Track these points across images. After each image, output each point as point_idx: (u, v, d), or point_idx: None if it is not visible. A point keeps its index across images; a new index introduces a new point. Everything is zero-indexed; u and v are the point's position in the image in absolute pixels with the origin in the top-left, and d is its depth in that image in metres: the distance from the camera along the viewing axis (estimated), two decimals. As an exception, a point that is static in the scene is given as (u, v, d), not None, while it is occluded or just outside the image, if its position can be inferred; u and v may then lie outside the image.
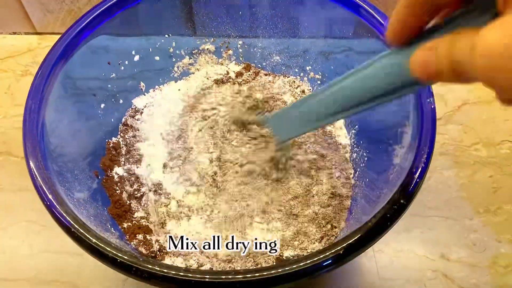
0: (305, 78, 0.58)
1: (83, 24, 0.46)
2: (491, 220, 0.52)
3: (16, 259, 0.50)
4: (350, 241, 0.32)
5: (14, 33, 0.71)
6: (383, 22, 0.44)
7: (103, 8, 0.48)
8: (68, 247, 0.50)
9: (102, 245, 0.32)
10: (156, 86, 0.58)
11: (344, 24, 0.50)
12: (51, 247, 0.51)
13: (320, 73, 0.57)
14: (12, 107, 0.63)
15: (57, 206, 0.34)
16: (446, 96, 0.62)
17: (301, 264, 0.31)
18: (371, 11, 0.45)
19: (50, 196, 0.35)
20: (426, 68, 0.24)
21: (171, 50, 0.57)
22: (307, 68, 0.57)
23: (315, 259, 0.31)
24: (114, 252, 0.32)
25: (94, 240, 0.32)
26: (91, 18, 0.47)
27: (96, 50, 0.50)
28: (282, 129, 0.45)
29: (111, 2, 0.48)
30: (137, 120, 0.54)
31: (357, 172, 0.50)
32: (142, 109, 0.55)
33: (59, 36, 0.46)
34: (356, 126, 0.53)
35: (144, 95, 0.57)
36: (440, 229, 0.51)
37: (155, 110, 0.55)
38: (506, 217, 0.52)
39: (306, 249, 0.44)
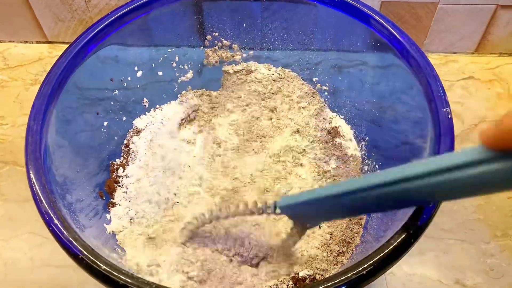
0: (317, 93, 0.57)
1: (92, 34, 0.46)
2: (509, 245, 0.49)
3: (16, 272, 0.49)
4: (372, 262, 0.30)
5: (26, 42, 0.71)
6: (398, 37, 0.42)
7: (113, 18, 0.47)
8: (70, 261, 0.48)
9: (114, 272, 0.31)
10: (157, 106, 0.57)
11: (358, 38, 0.49)
12: (53, 260, 0.50)
13: (333, 86, 0.56)
14: (21, 116, 0.62)
15: (64, 232, 0.33)
16: (463, 114, 0.60)
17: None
18: (386, 25, 0.43)
19: (56, 222, 0.33)
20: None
21: (174, 64, 0.56)
22: (314, 79, 0.56)
23: (336, 281, 0.30)
24: (126, 279, 0.30)
25: (103, 267, 0.31)
26: (100, 27, 0.46)
27: (105, 60, 0.49)
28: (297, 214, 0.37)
29: (121, 12, 0.48)
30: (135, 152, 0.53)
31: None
32: (143, 129, 0.54)
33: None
34: (367, 138, 0.52)
35: (145, 114, 0.55)
36: (455, 253, 0.49)
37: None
38: (525, 242, 0.50)
39: (321, 268, 0.43)
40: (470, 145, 0.57)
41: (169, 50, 0.55)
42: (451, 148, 0.35)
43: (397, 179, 0.27)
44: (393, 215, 0.39)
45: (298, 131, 0.53)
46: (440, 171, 0.25)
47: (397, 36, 0.42)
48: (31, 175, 0.36)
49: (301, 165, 0.51)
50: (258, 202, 0.39)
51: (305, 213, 0.36)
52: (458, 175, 0.24)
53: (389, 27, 0.43)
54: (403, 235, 0.32)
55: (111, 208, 0.47)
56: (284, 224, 0.45)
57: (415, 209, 0.33)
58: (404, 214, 0.34)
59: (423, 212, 0.33)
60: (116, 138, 0.52)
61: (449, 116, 0.37)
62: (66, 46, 0.45)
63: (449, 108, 0.37)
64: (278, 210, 0.37)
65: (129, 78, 0.52)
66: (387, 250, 0.31)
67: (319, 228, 0.46)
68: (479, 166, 0.23)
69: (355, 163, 0.51)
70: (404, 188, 0.27)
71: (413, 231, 0.32)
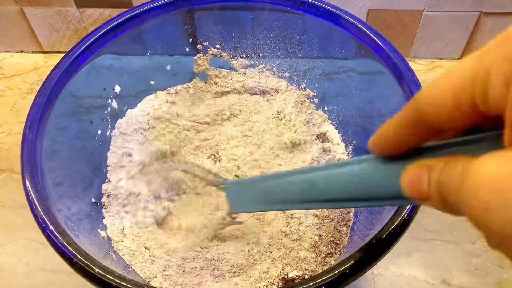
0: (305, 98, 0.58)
1: (87, 44, 0.47)
2: (494, 245, 0.51)
3: (13, 277, 0.50)
4: (356, 259, 0.31)
5: (21, 52, 0.72)
6: (380, 44, 0.44)
7: (106, 29, 0.49)
8: (66, 266, 0.49)
9: (107, 275, 0.32)
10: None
11: (344, 45, 0.51)
12: (49, 265, 0.50)
13: (322, 93, 0.57)
14: (17, 124, 0.64)
15: (58, 236, 0.34)
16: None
17: (308, 285, 0.31)
18: (369, 32, 0.45)
19: (51, 227, 0.34)
20: (417, 188, 0.21)
21: (168, 68, 0.57)
22: (303, 86, 0.57)
23: (318, 281, 0.31)
24: (120, 282, 0.31)
25: (97, 270, 0.32)
26: (94, 38, 0.48)
27: (99, 69, 0.50)
28: (238, 200, 0.40)
29: (115, 23, 0.49)
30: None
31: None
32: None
33: (65, 55, 0.46)
34: (354, 142, 0.53)
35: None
36: (441, 253, 0.50)
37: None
38: (509, 242, 0.51)
39: (310, 269, 0.44)
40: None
41: (162, 59, 0.56)
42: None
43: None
44: (378, 214, 0.40)
45: (288, 136, 0.54)
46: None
47: (379, 43, 0.44)
48: (27, 182, 0.37)
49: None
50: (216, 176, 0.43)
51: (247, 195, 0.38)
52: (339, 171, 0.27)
53: (371, 34, 0.44)
54: (385, 235, 0.33)
55: (105, 213, 0.48)
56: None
57: (397, 208, 0.34)
58: (388, 214, 0.35)
59: (405, 211, 0.34)
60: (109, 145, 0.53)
61: None
62: (61, 55, 0.46)
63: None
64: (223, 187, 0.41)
65: (123, 87, 0.54)
66: (368, 249, 0.32)
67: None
68: (365, 163, 0.26)
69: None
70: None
71: (394, 231, 0.33)
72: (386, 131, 0.23)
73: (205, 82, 0.58)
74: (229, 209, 0.41)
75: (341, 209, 0.48)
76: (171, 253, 0.45)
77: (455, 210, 0.19)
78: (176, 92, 0.57)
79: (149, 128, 0.53)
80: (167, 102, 0.56)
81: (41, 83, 0.56)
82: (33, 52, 0.72)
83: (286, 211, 0.48)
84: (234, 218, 0.44)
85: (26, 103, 0.66)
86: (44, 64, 0.71)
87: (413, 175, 0.21)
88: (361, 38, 0.46)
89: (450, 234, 0.52)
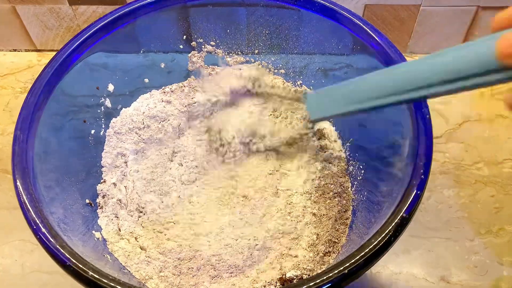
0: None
1: (79, 42, 0.46)
2: (493, 242, 0.50)
3: (8, 279, 0.49)
4: (356, 258, 0.31)
5: (14, 50, 0.71)
6: (377, 39, 0.43)
7: (99, 26, 0.48)
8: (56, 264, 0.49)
9: (101, 279, 0.31)
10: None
11: (341, 41, 0.50)
12: (43, 267, 0.50)
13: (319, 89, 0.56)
14: (10, 124, 0.63)
15: (51, 240, 0.33)
16: (446, 113, 0.61)
17: (308, 285, 0.30)
18: (365, 27, 0.44)
19: (43, 230, 0.34)
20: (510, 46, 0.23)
21: (163, 66, 0.57)
22: (299, 83, 0.57)
23: (318, 281, 0.30)
24: (114, 285, 0.31)
25: (91, 273, 0.31)
26: (87, 35, 0.47)
27: (93, 67, 0.50)
28: (317, 108, 0.42)
29: (108, 20, 0.48)
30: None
31: (355, 186, 0.49)
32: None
33: (58, 53, 0.46)
34: (351, 139, 0.52)
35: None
36: (440, 251, 0.50)
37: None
38: (508, 239, 0.50)
39: (308, 269, 0.43)
40: (453, 144, 0.58)
41: (156, 56, 0.56)
42: (429, 147, 0.36)
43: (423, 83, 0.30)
44: (376, 212, 0.40)
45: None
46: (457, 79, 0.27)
47: (376, 38, 0.43)
48: (18, 184, 0.36)
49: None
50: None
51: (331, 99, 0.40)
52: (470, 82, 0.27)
53: (368, 30, 0.44)
54: (384, 233, 0.32)
55: (100, 214, 0.47)
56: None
57: (396, 207, 0.34)
58: (386, 212, 0.35)
59: (404, 210, 0.33)
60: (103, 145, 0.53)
61: (427, 116, 0.38)
62: (54, 53, 0.45)
63: (427, 108, 0.38)
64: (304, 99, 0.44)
65: (116, 85, 0.53)
66: (367, 249, 0.32)
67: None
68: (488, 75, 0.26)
69: (340, 163, 0.51)
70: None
71: (393, 229, 0.33)
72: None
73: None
74: (309, 116, 0.43)
75: (338, 208, 0.48)
76: (167, 253, 0.45)
77: None
78: (172, 91, 0.57)
79: (144, 127, 0.53)
80: (162, 101, 0.55)
81: (35, 82, 0.55)
82: (26, 50, 0.71)
83: (284, 211, 0.47)
84: (312, 128, 0.45)
85: (20, 102, 0.63)
86: (37, 63, 0.70)
87: (508, 38, 0.23)
88: (358, 33, 0.45)
89: (449, 231, 0.51)
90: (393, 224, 0.32)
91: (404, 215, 0.33)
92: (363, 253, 0.31)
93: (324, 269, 0.42)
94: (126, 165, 0.51)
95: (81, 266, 0.31)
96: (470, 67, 0.26)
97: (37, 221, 0.34)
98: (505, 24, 0.25)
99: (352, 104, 0.37)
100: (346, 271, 0.30)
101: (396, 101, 0.33)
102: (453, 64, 0.27)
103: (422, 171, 0.35)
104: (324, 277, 0.30)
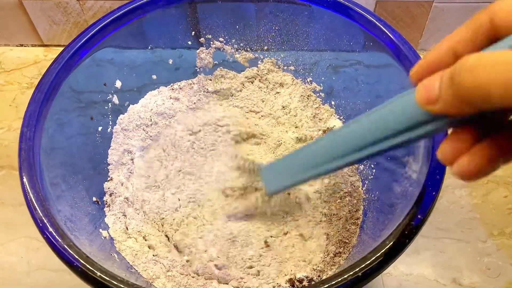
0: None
1: (87, 37, 0.46)
2: (506, 243, 0.49)
3: (13, 276, 0.49)
4: (370, 261, 0.30)
5: (21, 45, 0.71)
6: (391, 36, 0.42)
7: (107, 21, 0.47)
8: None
9: (110, 279, 0.31)
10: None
11: (352, 38, 0.49)
12: (49, 264, 0.50)
13: (329, 86, 0.55)
14: (17, 119, 0.62)
15: (58, 239, 0.33)
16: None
17: None
18: (379, 24, 0.43)
19: (51, 229, 0.33)
20: (428, 93, 0.22)
21: (171, 62, 0.56)
22: (308, 79, 0.56)
23: (332, 283, 0.30)
24: (122, 286, 0.30)
25: (99, 274, 0.31)
26: (95, 31, 0.46)
27: (100, 63, 0.49)
28: (275, 179, 0.41)
29: (116, 16, 0.48)
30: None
31: (366, 185, 0.49)
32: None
33: (65, 48, 0.45)
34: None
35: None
36: (452, 252, 0.49)
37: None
38: (522, 240, 0.50)
39: (318, 270, 0.43)
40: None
41: (164, 52, 0.55)
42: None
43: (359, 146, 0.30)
44: (389, 214, 0.39)
45: (294, 131, 0.53)
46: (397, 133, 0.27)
47: (390, 35, 0.42)
48: (25, 181, 0.35)
49: None
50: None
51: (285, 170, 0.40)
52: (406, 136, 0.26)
53: (381, 26, 0.43)
54: (398, 235, 0.31)
55: (107, 212, 0.47)
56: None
57: (410, 208, 0.33)
58: (400, 214, 0.34)
59: (419, 211, 0.33)
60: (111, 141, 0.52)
61: None
62: (61, 49, 0.45)
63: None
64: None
65: (124, 81, 0.52)
66: (382, 251, 0.31)
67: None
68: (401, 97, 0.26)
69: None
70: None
71: (408, 231, 0.32)
72: (439, 47, 0.24)
73: (210, 79, 0.57)
74: (266, 192, 0.43)
75: (349, 207, 0.47)
76: (175, 252, 0.44)
77: (466, 97, 0.20)
78: (180, 88, 0.56)
79: (151, 124, 0.52)
80: (171, 98, 0.54)
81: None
82: (33, 45, 0.71)
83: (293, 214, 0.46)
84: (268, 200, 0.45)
85: (26, 98, 0.64)
86: (44, 58, 0.69)
87: (426, 84, 0.23)
88: (371, 30, 0.44)
89: (461, 232, 0.50)
90: (408, 225, 0.32)
91: (419, 216, 0.32)
92: (377, 255, 0.30)
93: (334, 270, 0.42)
94: (133, 162, 0.51)
95: (89, 266, 0.31)
96: (403, 119, 0.26)
97: (44, 220, 0.33)
98: (422, 76, 0.24)
99: (302, 172, 0.37)
100: (360, 273, 0.29)
101: (342, 164, 0.33)
102: (386, 120, 0.27)
103: (437, 171, 0.34)
104: (339, 279, 0.29)
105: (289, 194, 0.47)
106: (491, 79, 0.19)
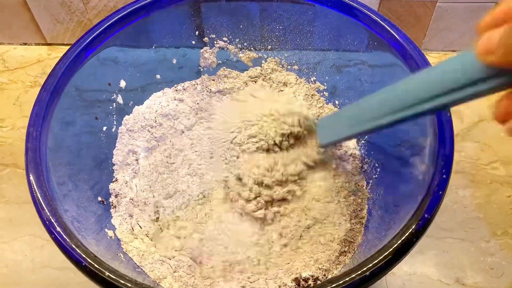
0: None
1: (92, 37, 0.46)
2: (509, 243, 0.49)
3: (18, 274, 0.49)
4: (378, 260, 0.30)
5: (25, 44, 0.71)
6: (396, 36, 0.42)
7: (112, 20, 0.47)
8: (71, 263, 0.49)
9: (118, 279, 0.31)
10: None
11: (356, 37, 0.49)
12: (54, 262, 0.50)
13: (332, 86, 0.55)
14: (20, 118, 0.62)
15: (66, 239, 0.33)
16: (462, 112, 0.60)
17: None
18: (383, 24, 0.43)
19: (58, 229, 0.33)
20: (487, 44, 0.23)
21: (174, 61, 0.56)
22: (312, 79, 0.56)
23: (340, 282, 0.30)
24: (130, 286, 0.30)
25: (107, 274, 0.31)
26: (100, 30, 0.46)
27: (105, 62, 0.49)
28: (329, 132, 0.44)
29: (121, 15, 0.48)
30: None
31: (370, 184, 0.49)
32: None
33: (69, 47, 0.45)
34: (366, 137, 0.52)
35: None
36: (455, 252, 0.49)
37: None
38: (525, 240, 0.50)
39: (324, 269, 0.43)
40: (468, 143, 0.57)
41: (168, 52, 0.55)
42: (450, 147, 0.35)
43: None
44: (395, 213, 0.39)
45: None
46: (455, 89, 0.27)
47: (395, 35, 0.42)
48: (32, 181, 0.35)
49: None
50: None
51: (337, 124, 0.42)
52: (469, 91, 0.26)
53: (386, 26, 0.43)
54: (406, 235, 0.32)
55: (113, 213, 0.47)
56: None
57: (417, 208, 0.33)
58: (406, 213, 0.34)
59: (425, 211, 0.33)
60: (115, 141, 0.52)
61: (448, 114, 0.37)
62: (65, 47, 0.45)
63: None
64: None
65: (128, 81, 0.52)
66: (390, 251, 0.31)
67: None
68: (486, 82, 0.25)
69: (354, 161, 0.51)
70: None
71: (415, 231, 0.32)
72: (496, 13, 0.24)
73: (213, 80, 0.57)
74: (319, 142, 0.45)
75: (354, 206, 0.47)
76: (181, 252, 0.44)
77: None
78: (184, 89, 0.56)
79: (156, 126, 0.52)
80: (175, 99, 0.55)
81: (44, 76, 0.55)
82: (37, 44, 0.71)
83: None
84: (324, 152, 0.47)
85: (30, 96, 0.65)
86: (47, 57, 0.69)
87: (488, 35, 0.23)
88: (375, 29, 0.44)
89: (464, 232, 0.50)
90: (415, 225, 0.32)
91: (426, 215, 0.32)
92: (385, 254, 0.30)
93: (340, 269, 0.42)
94: (137, 163, 0.51)
95: (97, 266, 0.31)
96: (461, 75, 0.26)
97: (52, 220, 0.33)
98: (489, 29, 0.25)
99: (358, 125, 0.38)
100: (368, 273, 0.30)
101: (401, 118, 0.33)
102: (446, 75, 0.28)
103: (444, 170, 0.34)
104: (346, 278, 0.30)
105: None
106: None
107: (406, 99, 0.31)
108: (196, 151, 0.51)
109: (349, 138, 0.42)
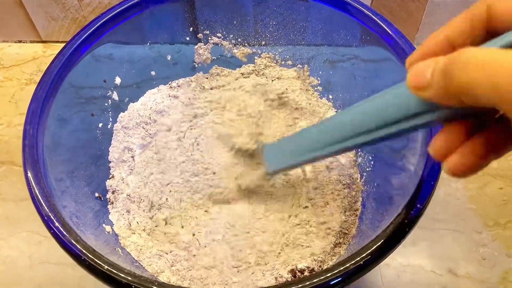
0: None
1: (87, 34, 0.46)
2: (501, 234, 0.50)
3: (15, 271, 0.50)
4: (372, 250, 0.31)
5: (20, 42, 0.71)
6: (388, 30, 0.43)
7: (107, 17, 0.47)
8: (69, 258, 0.49)
9: (117, 272, 0.31)
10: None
11: (349, 32, 0.50)
12: (52, 258, 0.50)
13: (326, 81, 0.56)
14: (16, 115, 0.63)
15: (66, 234, 0.33)
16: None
17: (319, 279, 0.30)
18: (376, 19, 0.44)
19: (57, 224, 0.34)
20: (419, 79, 0.22)
21: (169, 57, 0.56)
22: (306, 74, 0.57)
23: (334, 271, 0.30)
24: (130, 279, 0.31)
25: (106, 267, 0.31)
26: (94, 27, 0.47)
27: (100, 58, 0.49)
28: (275, 159, 0.43)
29: (115, 11, 0.48)
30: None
31: (364, 177, 0.49)
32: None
33: (64, 44, 0.45)
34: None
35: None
36: (448, 243, 0.50)
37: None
38: (516, 231, 0.50)
39: (319, 260, 0.43)
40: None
41: (162, 48, 0.55)
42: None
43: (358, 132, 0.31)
44: (388, 204, 0.40)
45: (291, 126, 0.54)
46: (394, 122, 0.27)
47: (387, 29, 0.43)
48: (30, 178, 0.36)
49: None
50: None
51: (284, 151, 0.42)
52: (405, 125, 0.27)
53: (379, 21, 0.43)
54: (398, 225, 0.32)
55: (111, 209, 0.47)
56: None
57: (409, 198, 0.34)
58: (399, 204, 0.35)
59: (417, 200, 0.33)
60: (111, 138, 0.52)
61: None
62: (60, 45, 0.45)
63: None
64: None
65: (123, 77, 0.53)
66: (383, 240, 0.32)
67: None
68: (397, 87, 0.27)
69: (348, 155, 0.51)
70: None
71: (407, 220, 0.33)
72: (435, 37, 0.25)
73: (207, 77, 0.57)
74: (266, 169, 0.44)
75: (348, 199, 0.47)
76: (178, 247, 0.45)
77: (456, 92, 0.20)
78: (178, 86, 0.56)
79: (151, 122, 0.53)
80: (169, 96, 0.55)
81: (40, 74, 0.55)
82: (32, 42, 0.71)
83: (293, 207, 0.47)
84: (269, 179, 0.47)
85: (25, 94, 0.65)
86: (42, 54, 0.69)
87: (418, 69, 0.23)
88: (368, 24, 0.44)
89: (456, 223, 0.51)
90: (408, 214, 0.32)
91: (418, 205, 0.33)
92: (378, 244, 0.31)
93: (335, 260, 0.42)
94: (133, 160, 0.51)
95: (96, 260, 0.31)
96: (396, 110, 0.27)
97: (51, 215, 0.34)
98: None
99: (301, 154, 0.39)
100: (361, 262, 0.30)
101: (341, 149, 0.34)
102: (382, 109, 0.28)
103: (435, 162, 0.34)
104: (341, 268, 0.30)
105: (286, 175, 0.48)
106: (479, 80, 0.19)
107: (343, 132, 0.32)
108: (184, 147, 0.51)
109: (296, 166, 0.42)
